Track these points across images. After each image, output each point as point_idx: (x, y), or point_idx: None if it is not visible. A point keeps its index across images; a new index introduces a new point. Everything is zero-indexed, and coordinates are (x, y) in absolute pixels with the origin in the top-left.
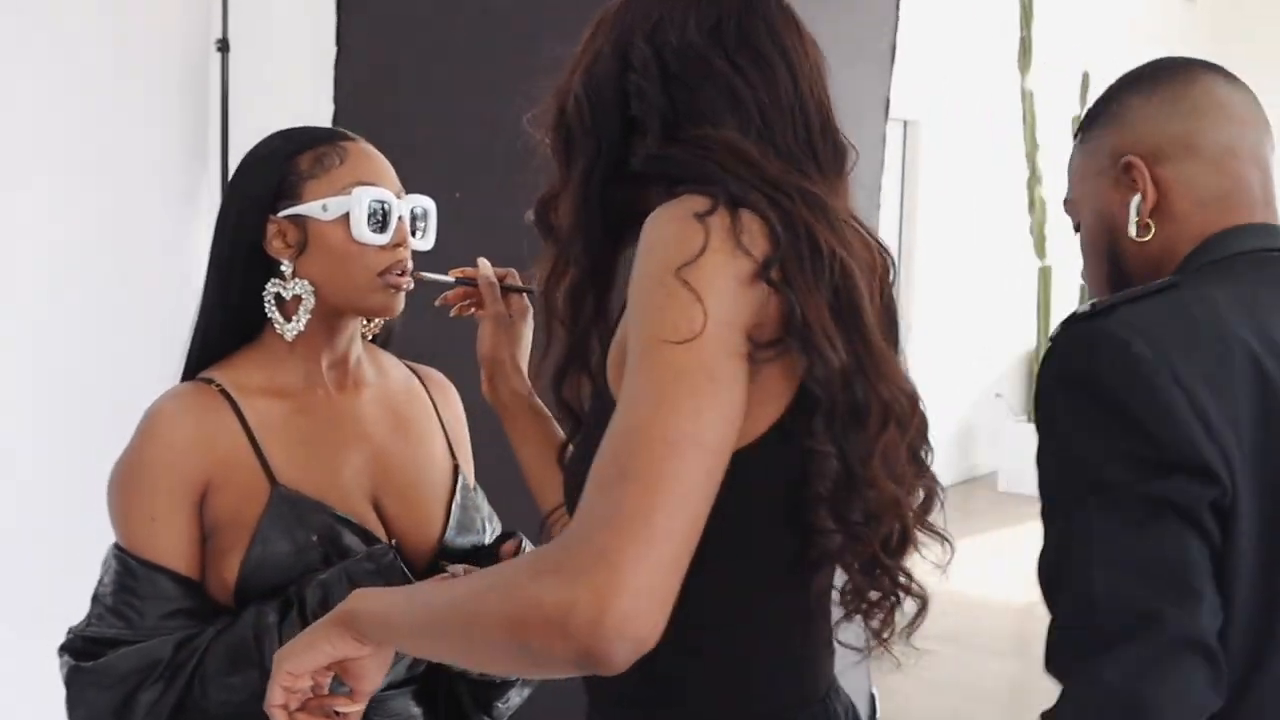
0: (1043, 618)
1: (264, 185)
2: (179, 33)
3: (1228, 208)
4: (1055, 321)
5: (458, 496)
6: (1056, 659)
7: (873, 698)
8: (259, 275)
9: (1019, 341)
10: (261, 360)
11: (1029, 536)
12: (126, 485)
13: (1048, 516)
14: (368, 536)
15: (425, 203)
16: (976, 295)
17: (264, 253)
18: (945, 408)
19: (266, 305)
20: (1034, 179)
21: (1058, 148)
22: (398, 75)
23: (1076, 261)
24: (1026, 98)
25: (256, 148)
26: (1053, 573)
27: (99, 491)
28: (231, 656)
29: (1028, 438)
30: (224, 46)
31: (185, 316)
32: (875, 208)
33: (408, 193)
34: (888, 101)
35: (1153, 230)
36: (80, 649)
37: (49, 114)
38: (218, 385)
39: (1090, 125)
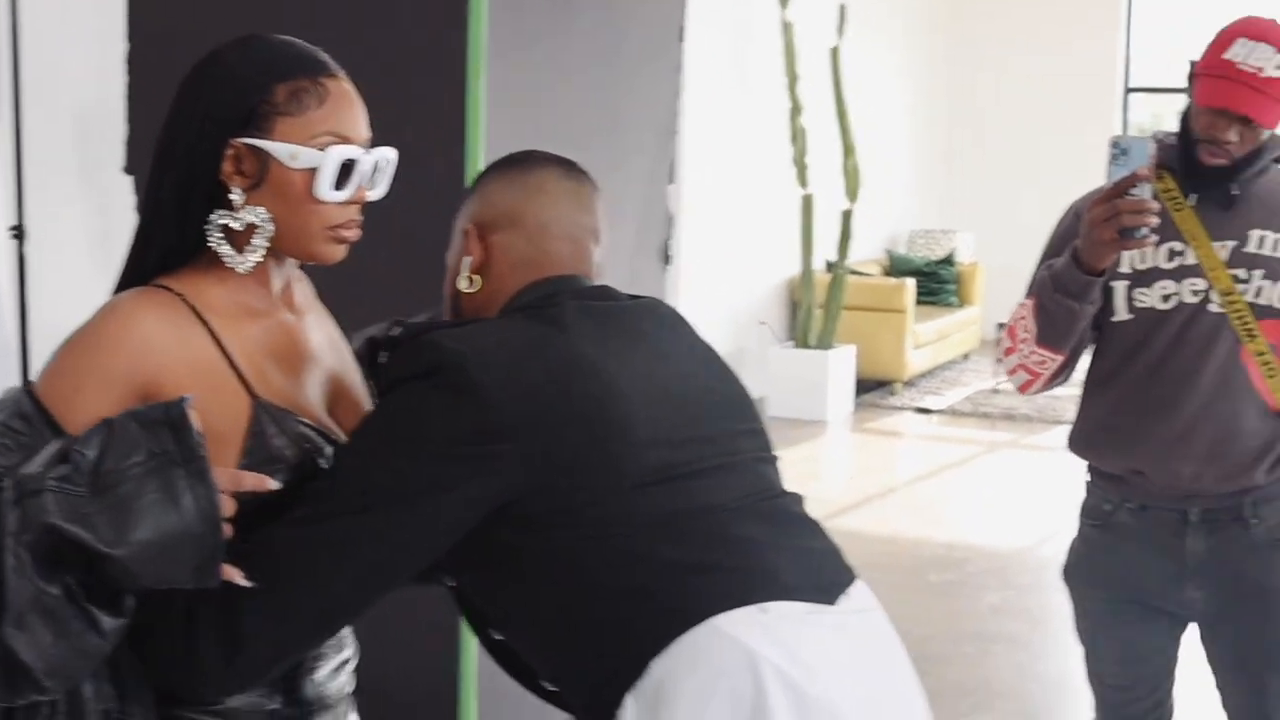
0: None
1: (233, 108)
2: None
3: (534, 269)
4: (817, 248)
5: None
6: None
7: None
8: (204, 199)
9: (782, 269)
10: (216, 278)
11: (802, 458)
12: (65, 352)
13: None
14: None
15: (389, 154)
16: (742, 223)
17: (215, 177)
18: (713, 335)
19: (213, 239)
20: (795, 110)
21: (817, 79)
22: (192, 11)
23: (837, 191)
24: (787, 30)
25: (225, 59)
26: None
27: None
28: None
29: (794, 362)
30: None
31: None
32: (673, 134)
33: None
34: (683, 30)
35: (479, 283)
36: None
37: None
38: (176, 294)
39: (468, 193)
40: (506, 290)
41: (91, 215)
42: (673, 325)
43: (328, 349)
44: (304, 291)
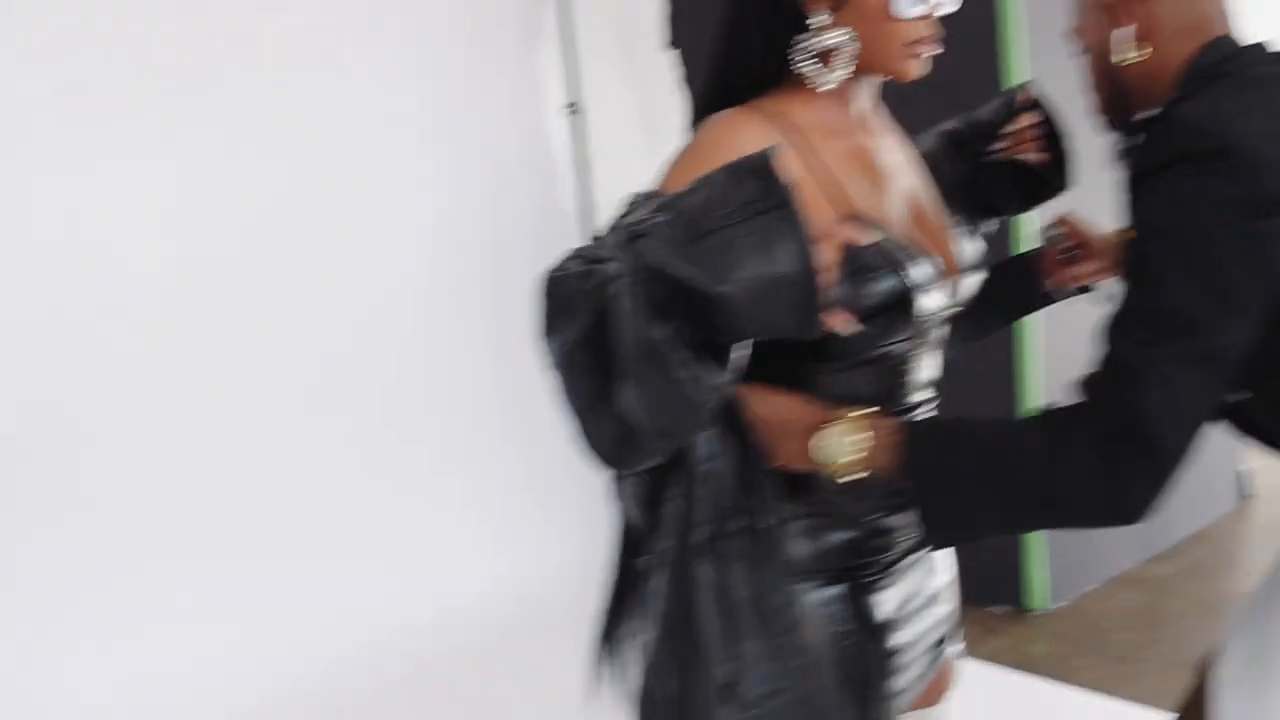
0: None
1: None
2: None
3: (1199, 33)
4: None
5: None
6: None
7: (1239, 475)
8: (789, 25)
9: None
10: (800, 100)
11: None
12: (680, 166)
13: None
14: (923, 257)
15: None
16: None
17: (797, 4)
18: None
19: (803, 60)
20: None
21: None
22: None
23: None
24: None
25: None
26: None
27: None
28: None
29: None
30: None
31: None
32: None
33: None
34: None
35: (1147, 51)
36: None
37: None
38: (766, 114)
39: None
40: (1174, 57)
41: (635, 90)
42: None
43: (906, 169)
44: (881, 114)
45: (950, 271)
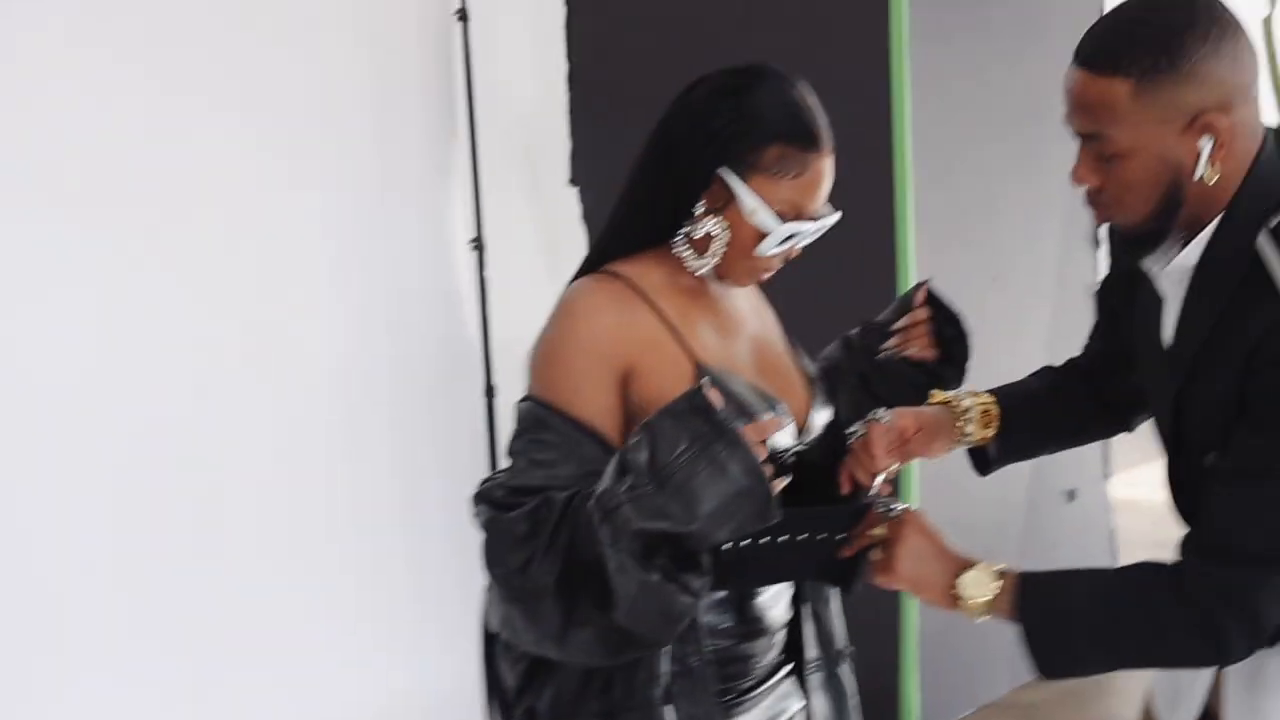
0: None
1: (739, 145)
2: (418, 4)
3: (1252, 139)
4: None
5: (803, 362)
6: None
7: None
8: (679, 203)
9: None
10: (657, 261)
11: None
12: (551, 360)
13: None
14: (775, 401)
15: (831, 220)
16: None
17: (697, 196)
18: None
19: (677, 244)
20: None
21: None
22: (630, 30)
23: None
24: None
25: (755, 94)
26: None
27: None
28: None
29: None
30: (463, 16)
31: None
32: None
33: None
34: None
35: (1218, 169)
36: (499, 499)
37: (292, 106)
38: (624, 279)
39: (1154, 75)
40: (1238, 169)
41: (541, 226)
42: None
43: (752, 316)
44: None
45: (798, 413)
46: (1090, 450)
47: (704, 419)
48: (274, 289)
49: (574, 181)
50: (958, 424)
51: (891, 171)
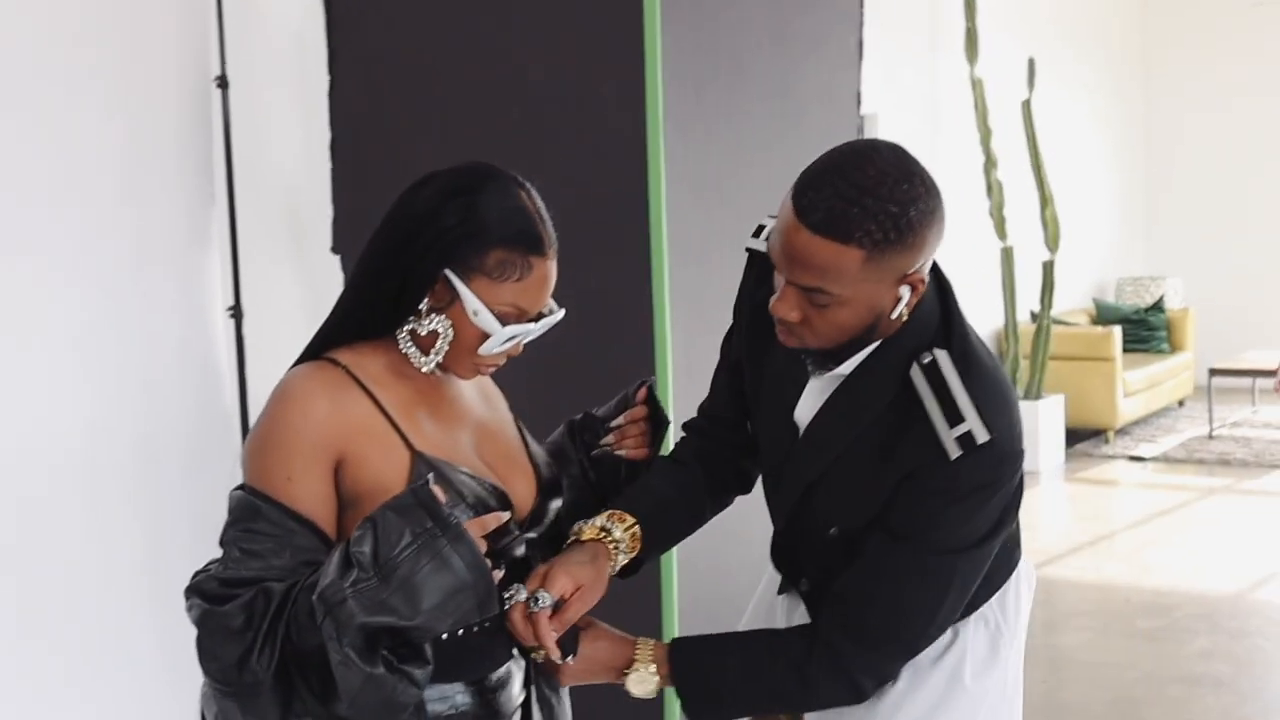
0: (1044, 586)
1: (464, 248)
2: (177, 72)
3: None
4: (1021, 299)
5: (534, 450)
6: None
7: None
8: (404, 298)
9: (987, 321)
10: (380, 349)
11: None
12: (264, 448)
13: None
14: (498, 491)
15: (556, 317)
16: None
17: (423, 294)
18: None
19: (402, 340)
20: (989, 163)
21: (1010, 132)
22: (392, 101)
23: (1037, 241)
24: (976, 86)
25: (480, 197)
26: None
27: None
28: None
29: None
30: (223, 83)
31: (203, 344)
32: None
33: None
34: (859, 96)
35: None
36: (212, 591)
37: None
38: (343, 367)
39: (884, 247)
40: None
41: (304, 294)
42: None
43: (479, 400)
44: None
45: (525, 500)
46: None
47: (427, 513)
48: (16, 358)
49: (336, 249)
50: (611, 561)
51: (645, 217)
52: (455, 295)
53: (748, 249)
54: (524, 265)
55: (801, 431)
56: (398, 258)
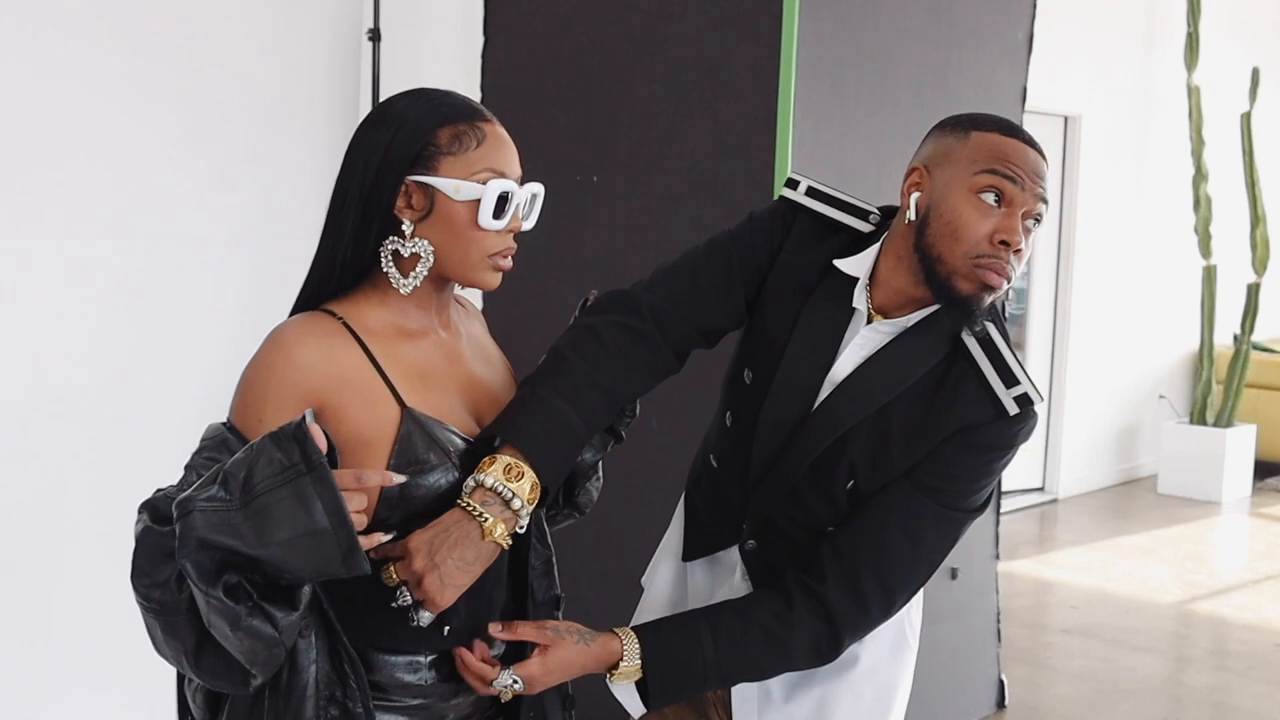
0: (1192, 621)
1: (403, 150)
2: (330, 23)
3: None
4: (1221, 321)
5: None
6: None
7: (1001, 683)
8: (379, 229)
9: (1183, 342)
10: (378, 301)
11: (1185, 538)
12: (245, 388)
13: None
14: (457, 456)
15: (538, 189)
16: (1139, 294)
17: (389, 210)
18: (1108, 408)
19: (384, 260)
20: (1199, 176)
21: (1225, 145)
22: (540, 64)
23: (1244, 262)
24: (1193, 94)
25: (396, 107)
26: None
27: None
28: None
29: (1190, 439)
30: (375, 36)
31: None
32: None
33: (543, 177)
34: (1025, 91)
35: None
36: (163, 511)
37: (202, 105)
38: (339, 318)
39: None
40: None
41: None
42: None
43: (481, 364)
44: (462, 315)
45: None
46: (980, 531)
47: (299, 449)
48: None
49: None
50: (519, 523)
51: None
52: (430, 194)
53: (790, 200)
54: (476, 131)
55: (840, 382)
56: (360, 196)
